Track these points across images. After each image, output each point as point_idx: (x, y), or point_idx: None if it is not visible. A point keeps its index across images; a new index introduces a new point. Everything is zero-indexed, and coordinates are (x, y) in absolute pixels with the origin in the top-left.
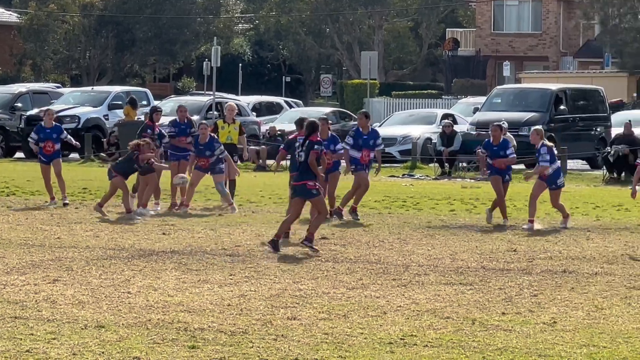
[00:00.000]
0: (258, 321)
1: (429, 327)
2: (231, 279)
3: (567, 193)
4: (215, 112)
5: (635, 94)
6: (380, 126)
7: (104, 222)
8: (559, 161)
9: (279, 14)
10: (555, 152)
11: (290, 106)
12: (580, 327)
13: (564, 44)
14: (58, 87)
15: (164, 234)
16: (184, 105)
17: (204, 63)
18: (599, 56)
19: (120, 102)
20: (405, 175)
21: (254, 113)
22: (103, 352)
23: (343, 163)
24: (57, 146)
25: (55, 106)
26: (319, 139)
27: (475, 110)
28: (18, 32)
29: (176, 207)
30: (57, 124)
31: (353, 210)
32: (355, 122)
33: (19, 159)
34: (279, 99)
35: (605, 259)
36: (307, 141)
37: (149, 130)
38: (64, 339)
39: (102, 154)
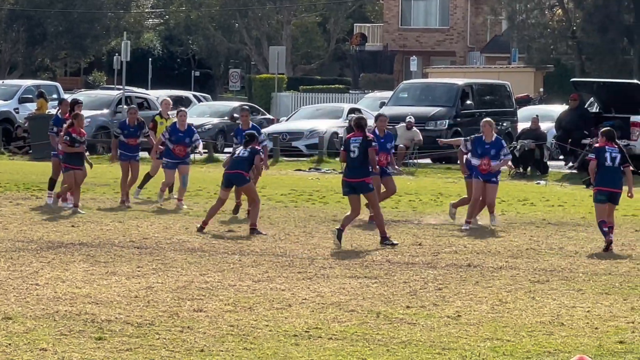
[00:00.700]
0: (165, 313)
1: (334, 320)
2: (138, 271)
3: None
4: (125, 106)
5: (541, 89)
6: (287, 120)
7: (14, 214)
8: None
9: (189, 9)
10: None
11: (199, 100)
12: (484, 321)
13: (471, 39)
14: None
15: (72, 226)
16: (135, 107)
17: (115, 57)
18: (506, 51)
19: (30, 96)
20: (312, 169)
21: None
22: (10, 344)
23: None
24: None
25: None
26: (371, 136)
27: (382, 104)
28: None
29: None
30: None
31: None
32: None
33: None
34: (188, 93)
35: (510, 253)
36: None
37: (62, 124)
38: None
39: (11, 146)
